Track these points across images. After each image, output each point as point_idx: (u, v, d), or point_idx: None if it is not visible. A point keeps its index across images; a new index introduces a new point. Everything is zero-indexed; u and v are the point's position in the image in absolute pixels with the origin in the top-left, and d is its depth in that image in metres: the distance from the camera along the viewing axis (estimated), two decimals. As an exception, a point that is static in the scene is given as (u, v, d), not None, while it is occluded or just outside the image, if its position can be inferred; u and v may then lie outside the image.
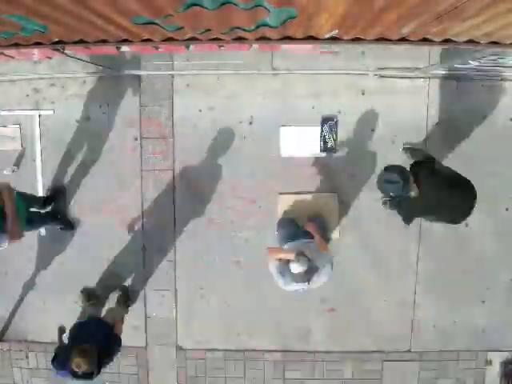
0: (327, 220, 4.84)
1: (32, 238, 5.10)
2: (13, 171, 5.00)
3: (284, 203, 4.95)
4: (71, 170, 5.07)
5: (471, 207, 3.60)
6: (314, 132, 4.85)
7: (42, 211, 4.87)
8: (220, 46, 3.23)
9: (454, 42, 2.88)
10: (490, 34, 2.67)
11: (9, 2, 2.18)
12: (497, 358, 5.18)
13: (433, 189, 3.50)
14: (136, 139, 4.99)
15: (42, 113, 5.02)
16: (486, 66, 4.31)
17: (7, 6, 2.21)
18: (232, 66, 4.74)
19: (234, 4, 2.26)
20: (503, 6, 2.18)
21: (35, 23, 2.51)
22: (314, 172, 4.94)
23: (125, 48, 3.30)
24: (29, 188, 4.87)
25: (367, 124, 4.87)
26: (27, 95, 5.02)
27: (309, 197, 4.95)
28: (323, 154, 4.90)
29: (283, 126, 4.88)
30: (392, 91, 4.81)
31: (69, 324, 4.25)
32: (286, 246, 3.86)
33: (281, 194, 4.95)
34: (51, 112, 5.01)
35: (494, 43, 2.86)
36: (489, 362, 5.18)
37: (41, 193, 5.07)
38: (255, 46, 3.41)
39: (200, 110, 4.93)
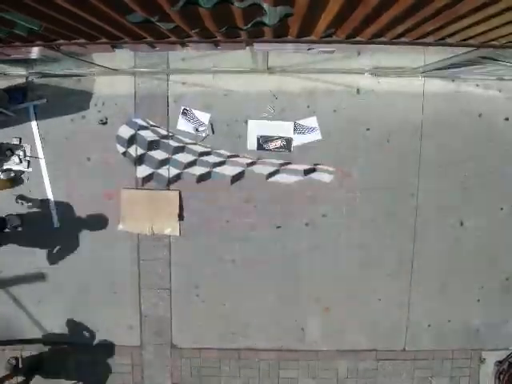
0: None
1: (28, 237, 5.10)
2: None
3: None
4: (67, 168, 5.06)
5: None
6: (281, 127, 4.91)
7: None
8: (216, 46, 3.22)
9: (450, 41, 2.89)
10: (485, 33, 2.67)
11: (3, 0, 2.17)
12: (491, 357, 5.21)
13: None
14: (132, 138, 4.98)
15: (36, 103, 5.00)
16: (481, 65, 4.33)
17: (2, 4, 2.20)
18: (228, 64, 4.72)
19: (230, 2, 2.26)
20: (498, 6, 2.19)
21: (30, 21, 2.49)
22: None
23: (120, 46, 3.29)
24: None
25: (362, 123, 4.88)
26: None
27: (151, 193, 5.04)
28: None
29: (251, 119, 4.90)
30: (388, 90, 4.82)
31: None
32: None
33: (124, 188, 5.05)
34: (44, 101, 4.99)
35: (489, 43, 2.87)
36: (483, 361, 5.20)
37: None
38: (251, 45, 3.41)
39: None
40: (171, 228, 5.06)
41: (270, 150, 4.92)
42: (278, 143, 4.90)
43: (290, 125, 4.86)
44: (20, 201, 4.99)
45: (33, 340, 5.33)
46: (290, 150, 4.91)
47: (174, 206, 5.02)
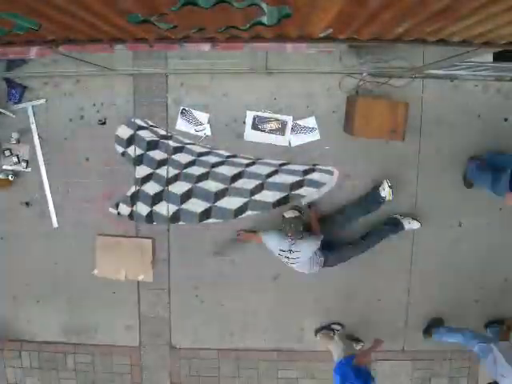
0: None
1: (26, 237, 5.10)
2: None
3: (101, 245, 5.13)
4: (66, 168, 5.05)
5: None
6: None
7: None
8: (214, 46, 3.21)
9: (449, 42, 2.89)
10: (485, 34, 2.67)
11: (3, 0, 2.17)
12: (490, 357, 5.20)
13: None
14: (130, 138, 4.97)
15: (35, 103, 4.99)
16: (480, 65, 4.32)
17: (1, 3, 2.20)
18: (226, 65, 4.71)
19: (229, 3, 2.25)
20: (498, 6, 2.19)
21: (29, 21, 2.49)
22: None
23: (119, 46, 3.28)
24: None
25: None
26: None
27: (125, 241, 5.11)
28: (285, 143, 4.92)
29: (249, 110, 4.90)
30: (386, 90, 4.81)
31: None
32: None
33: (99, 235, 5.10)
34: (43, 101, 4.98)
35: (488, 44, 2.87)
36: (482, 362, 5.20)
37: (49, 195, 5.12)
38: (251, 45, 3.41)
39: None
40: (145, 275, 5.12)
41: (265, 131, 4.90)
42: (274, 125, 4.87)
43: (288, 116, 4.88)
44: None
45: (32, 340, 5.33)
46: (283, 134, 4.89)
47: (147, 254, 5.08)
